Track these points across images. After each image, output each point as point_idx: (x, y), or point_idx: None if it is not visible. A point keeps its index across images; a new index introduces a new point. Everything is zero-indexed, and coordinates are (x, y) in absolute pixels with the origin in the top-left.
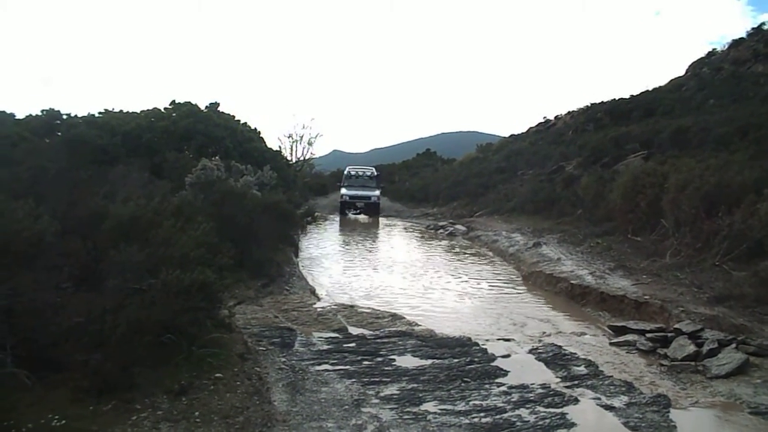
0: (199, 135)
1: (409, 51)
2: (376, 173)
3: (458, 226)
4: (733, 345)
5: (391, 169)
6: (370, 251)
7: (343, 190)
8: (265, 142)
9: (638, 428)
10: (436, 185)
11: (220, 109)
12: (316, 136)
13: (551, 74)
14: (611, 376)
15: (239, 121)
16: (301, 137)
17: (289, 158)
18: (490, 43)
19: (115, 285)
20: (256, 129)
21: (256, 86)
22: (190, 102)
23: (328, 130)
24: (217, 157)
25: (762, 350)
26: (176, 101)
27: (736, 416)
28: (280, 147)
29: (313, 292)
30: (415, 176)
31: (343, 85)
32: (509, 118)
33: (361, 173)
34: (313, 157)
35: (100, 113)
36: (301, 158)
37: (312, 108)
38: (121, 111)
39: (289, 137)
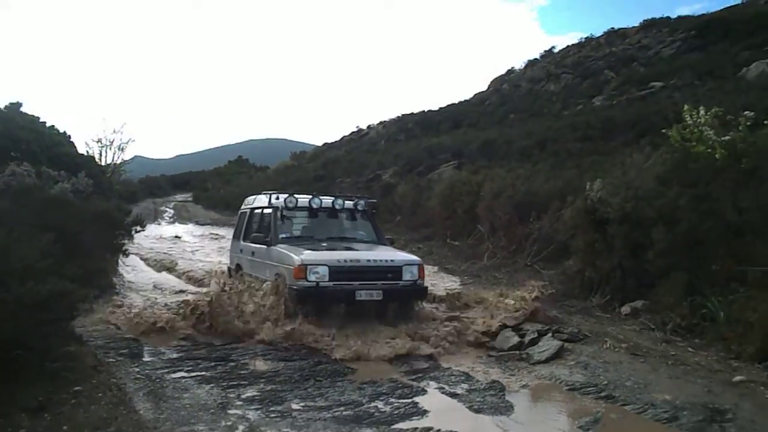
0: None
1: (212, 53)
2: (365, 202)
3: None
4: (550, 334)
5: (203, 176)
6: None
7: (305, 255)
8: (75, 147)
9: (481, 410)
10: (253, 193)
11: (24, 110)
12: (128, 141)
13: (362, 84)
14: (450, 368)
15: (45, 123)
16: (111, 142)
17: (100, 164)
18: (298, 50)
19: None
20: (65, 133)
21: (59, 88)
22: None
23: (129, 134)
24: (25, 163)
25: (573, 337)
26: None
27: (557, 393)
28: (87, 151)
29: (147, 300)
30: (230, 183)
31: (143, 87)
32: (320, 126)
33: (333, 204)
34: (125, 162)
35: None
36: (111, 164)
37: (108, 110)
38: None
39: (98, 142)
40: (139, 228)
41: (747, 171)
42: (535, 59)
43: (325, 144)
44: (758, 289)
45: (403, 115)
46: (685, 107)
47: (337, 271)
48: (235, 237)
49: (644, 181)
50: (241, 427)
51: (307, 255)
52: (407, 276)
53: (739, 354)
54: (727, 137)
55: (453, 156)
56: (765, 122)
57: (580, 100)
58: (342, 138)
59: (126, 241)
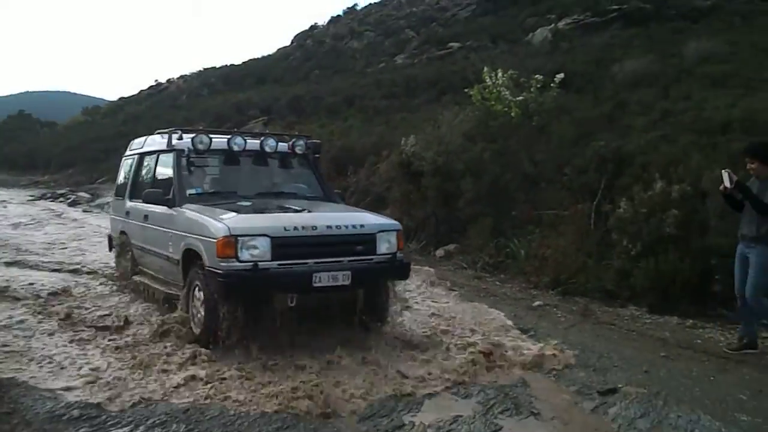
0: None
1: None
2: (304, 143)
3: (81, 194)
4: None
5: None
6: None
7: (232, 220)
8: None
9: None
10: (45, 151)
11: None
12: None
13: (155, 34)
14: None
15: None
16: None
17: None
18: None
19: None
20: None
21: None
22: None
23: None
24: None
25: None
26: None
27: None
28: None
29: None
30: (14, 141)
31: None
32: (108, 79)
33: (262, 146)
34: None
35: None
36: None
37: None
38: None
39: None
40: None
41: (538, 128)
42: (339, 16)
43: (121, 98)
44: (550, 230)
45: (204, 69)
46: (485, 69)
47: (284, 244)
48: (118, 194)
49: (453, 137)
50: None
51: (236, 220)
52: (383, 247)
53: (536, 284)
54: (520, 98)
55: (262, 112)
56: (551, 85)
57: (383, 58)
58: (140, 92)
59: None
